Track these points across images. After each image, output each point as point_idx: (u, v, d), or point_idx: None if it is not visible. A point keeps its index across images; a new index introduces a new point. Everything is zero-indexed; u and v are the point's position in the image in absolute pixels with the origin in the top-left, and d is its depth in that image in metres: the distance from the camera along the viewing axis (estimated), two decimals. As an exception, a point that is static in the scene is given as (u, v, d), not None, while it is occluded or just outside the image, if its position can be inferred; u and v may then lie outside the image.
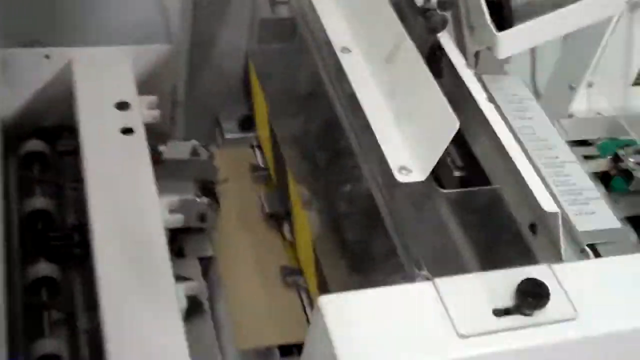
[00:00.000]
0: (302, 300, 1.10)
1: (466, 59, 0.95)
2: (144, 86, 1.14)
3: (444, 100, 0.81)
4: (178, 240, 1.12)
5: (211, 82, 1.28)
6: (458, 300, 0.72)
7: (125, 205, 0.95)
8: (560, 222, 0.76)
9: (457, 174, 0.92)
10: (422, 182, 0.83)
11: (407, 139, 0.86)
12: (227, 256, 1.14)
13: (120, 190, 0.97)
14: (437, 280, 0.73)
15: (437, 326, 0.71)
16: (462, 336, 0.70)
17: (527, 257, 0.81)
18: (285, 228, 1.14)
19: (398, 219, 0.80)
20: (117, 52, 1.13)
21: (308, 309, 1.09)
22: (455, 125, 0.79)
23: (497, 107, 0.91)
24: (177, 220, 0.99)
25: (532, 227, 0.82)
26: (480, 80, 0.95)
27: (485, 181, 0.89)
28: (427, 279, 0.74)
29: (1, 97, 1.11)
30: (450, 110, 0.80)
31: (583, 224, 0.83)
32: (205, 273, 1.12)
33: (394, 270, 0.79)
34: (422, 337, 0.69)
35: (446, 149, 0.93)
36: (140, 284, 0.87)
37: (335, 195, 0.96)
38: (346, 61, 0.94)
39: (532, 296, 0.71)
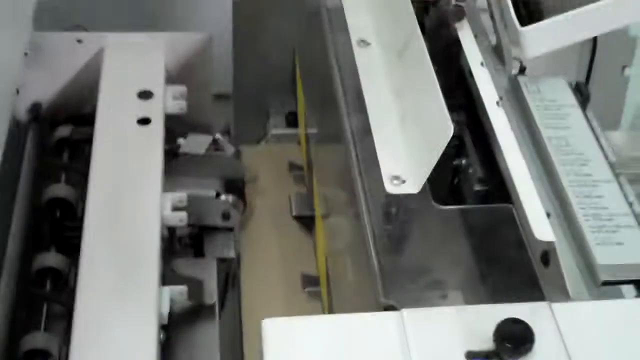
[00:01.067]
0: (324, 312, 1.02)
1: (503, 57, 0.84)
2: (180, 76, 1.10)
3: (441, 102, 0.71)
4: (200, 239, 1.07)
5: (258, 74, 1.22)
6: (425, 337, 0.62)
7: (125, 199, 0.91)
8: (558, 254, 0.64)
9: (477, 187, 0.81)
10: (417, 194, 0.73)
11: (407, 145, 0.76)
12: (250, 258, 1.07)
13: (123, 182, 0.92)
14: (405, 311, 0.64)
15: (393, 366, 0.61)
16: (420, 381, 0.60)
17: (533, 292, 0.69)
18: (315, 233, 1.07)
19: (381, 236, 0.71)
20: (151, 38, 1.09)
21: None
22: (449, 131, 0.68)
23: (526, 114, 0.79)
24: (179, 218, 0.93)
25: (545, 257, 0.70)
26: (514, 81, 0.84)
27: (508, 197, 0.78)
28: (394, 308, 0.64)
29: (36, 82, 1.09)
30: (445, 114, 0.69)
31: (604, 257, 0.70)
32: (227, 275, 1.06)
33: (369, 296, 0.70)
34: (370, 378, 0.60)
35: (469, 159, 0.83)
36: (121, 284, 0.82)
37: (341, 203, 0.87)
38: (361, 55, 0.85)
39: (511, 341, 0.60)
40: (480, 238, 0.72)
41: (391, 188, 0.73)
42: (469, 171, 0.83)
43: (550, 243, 0.68)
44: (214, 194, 1.04)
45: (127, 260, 0.85)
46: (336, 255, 0.88)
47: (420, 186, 0.72)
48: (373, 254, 0.69)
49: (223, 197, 1.05)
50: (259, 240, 1.09)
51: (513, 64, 0.86)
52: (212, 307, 0.98)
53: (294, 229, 1.10)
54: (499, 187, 0.79)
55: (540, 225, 0.65)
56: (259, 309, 1.03)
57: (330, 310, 0.91)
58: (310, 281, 1.02)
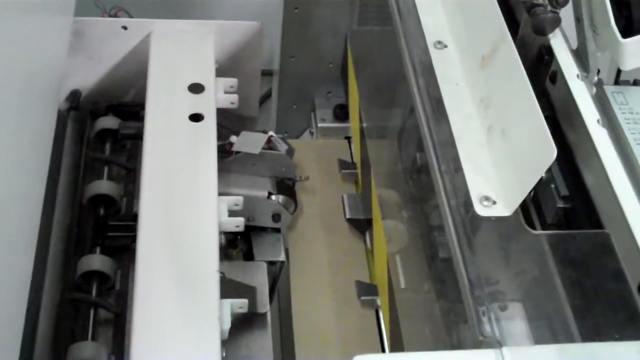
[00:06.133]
0: (379, 321, 0.98)
1: (587, 65, 0.78)
2: (230, 66, 1.04)
3: (541, 119, 0.66)
4: (249, 241, 1.02)
5: (307, 64, 1.16)
6: (528, 379, 0.58)
7: (180, 205, 0.85)
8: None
9: (560, 204, 0.76)
10: (508, 217, 0.68)
11: (497, 162, 0.71)
12: (300, 263, 1.03)
13: (177, 186, 0.87)
14: (506, 349, 0.59)
15: (495, 411, 0.57)
16: None
17: (634, 325, 0.65)
18: (368, 236, 1.02)
19: (472, 263, 0.66)
20: (200, 26, 1.03)
21: (385, 333, 0.96)
22: (552, 155, 0.63)
23: (615, 128, 0.74)
24: (236, 223, 0.88)
25: (643, 286, 0.66)
26: (600, 92, 0.78)
27: (596, 219, 0.73)
28: (494, 345, 0.60)
29: (76, 69, 1.04)
30: (548, 135, 0.64)
31: None
32: (276, 278, 1.02)
33: (460, 326, 0.65)
34: None
35: (551, 173, 0.78)
36: (181, 299, 0.77)
37: (414, 212, 0.82)
38: (438, 58, 0.79)
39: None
40: (578, 266, 0.68)
41: (481, 210, 0.68)
42: (550, 186, 0.78)
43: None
44: (265, 194, 0.99)
45: (185, 273, 0.80)
46: (404, 267, 0.83)
47: (514, 209, 0.67)
48: (466, 285, 0.64)
49: (274, 197, 1.00)
50: (309, 242, 1.05)
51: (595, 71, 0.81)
52: (264, 314, 0.94)
53: (346, 230, 1.05)
54: (584, 207, 0.74)
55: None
56: (311, 317, 0.98)
57: (393, 324, 0.87)
58: (365, 289, 0.98)
